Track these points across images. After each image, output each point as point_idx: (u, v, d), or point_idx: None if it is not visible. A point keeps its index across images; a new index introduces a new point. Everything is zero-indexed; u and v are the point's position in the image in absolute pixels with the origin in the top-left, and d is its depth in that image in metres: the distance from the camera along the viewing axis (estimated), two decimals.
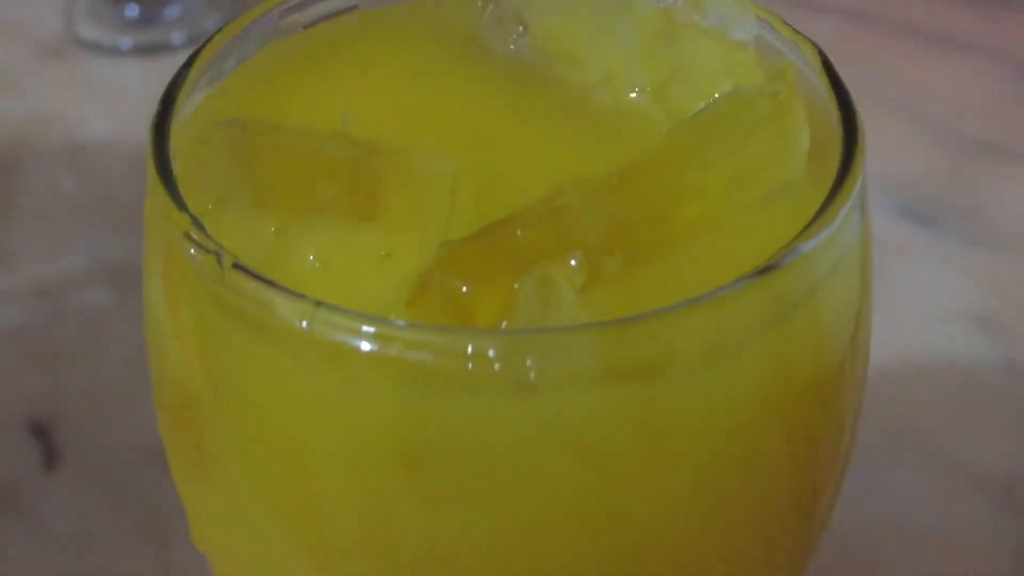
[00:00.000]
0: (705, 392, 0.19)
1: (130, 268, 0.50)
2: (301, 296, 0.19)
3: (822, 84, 0.23)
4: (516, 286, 0.19)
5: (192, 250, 0.20)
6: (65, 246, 0.51)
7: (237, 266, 0.19)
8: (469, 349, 0.18)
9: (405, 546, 0.20)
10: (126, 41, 0.61)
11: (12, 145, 0.56)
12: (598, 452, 0.19)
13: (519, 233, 0.19)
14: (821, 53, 0.23)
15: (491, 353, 0.18)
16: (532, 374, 0.18)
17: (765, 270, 0.19)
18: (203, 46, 0.24)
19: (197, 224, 0.20)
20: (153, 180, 0.21)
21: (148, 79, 0.59)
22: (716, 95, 0.22)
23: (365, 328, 0.18)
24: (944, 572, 0.39)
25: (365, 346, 0.19)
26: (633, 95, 0.23)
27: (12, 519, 0.41)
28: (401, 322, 0.19)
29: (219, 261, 0.19)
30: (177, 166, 0.21)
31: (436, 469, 0.19)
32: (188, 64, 0.23)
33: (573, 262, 0.19)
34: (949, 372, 0.47)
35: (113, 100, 0.59)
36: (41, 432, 0.44)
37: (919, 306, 0.49)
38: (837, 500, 0.24)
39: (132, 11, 0.62)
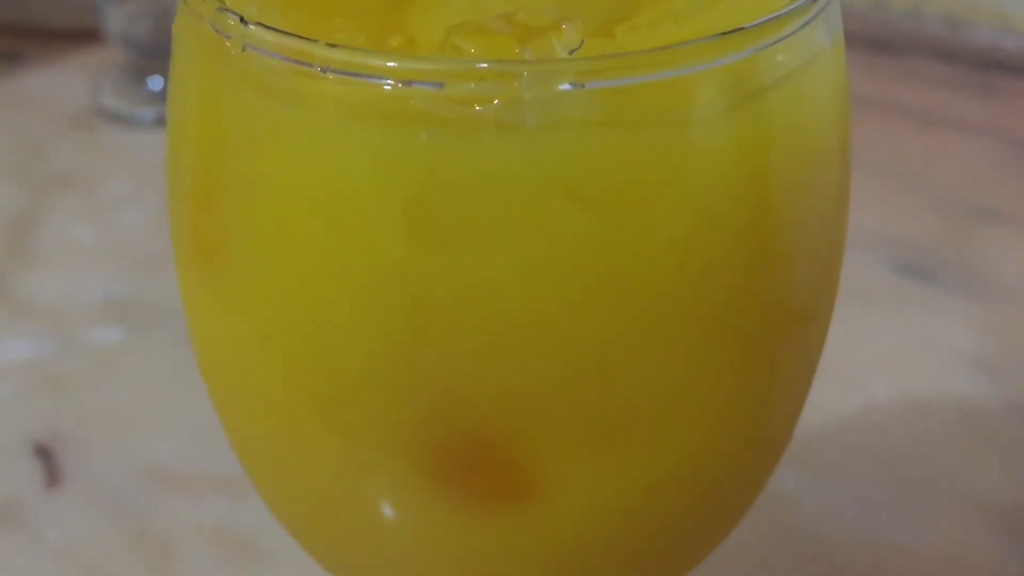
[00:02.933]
0: (678, 148, 0.20)
1: (139, 307, 0.51)
2: (316, 40, 0.20)
3: None
4: (518, 49, 0.20)
5: (217, 22, 0.21)
6: (77, 288, 0.52)
7: (258, 24, 0.21)
8: (462, 78, 0.19)
9: (403, 297, 0.20)
10: (148, 112, 0.63)
11: (33, 201, 0.58)
12: (588, 193, 0.20)
13: (521, 15, 0.21)
14: None
15: (484, 85, 0.19)
16: (525, 109, 0.19)
17: (731, 31, 0.20)
18: None
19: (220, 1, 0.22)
20: None
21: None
22: None
23: (365, 60, 0.19)
24: None
25: (366, 83, 0.20)
26: None
27: (13, 535, 0.41)
28: (408, 57, 0.20)
29: (243, 23, 0.21)
30: None
31: (434, 212, 0.20)
32: None
33: (565, 27, 0.20)
34: (953, 411, 0.47)
35: (132, 165, 0.61)
36: (44, 453, 0.44)
37: (924, 353, 0.50)
38: (827, 322, 0.24)
39: (156, 84, 0.64)
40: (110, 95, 0.64)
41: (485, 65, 0.19)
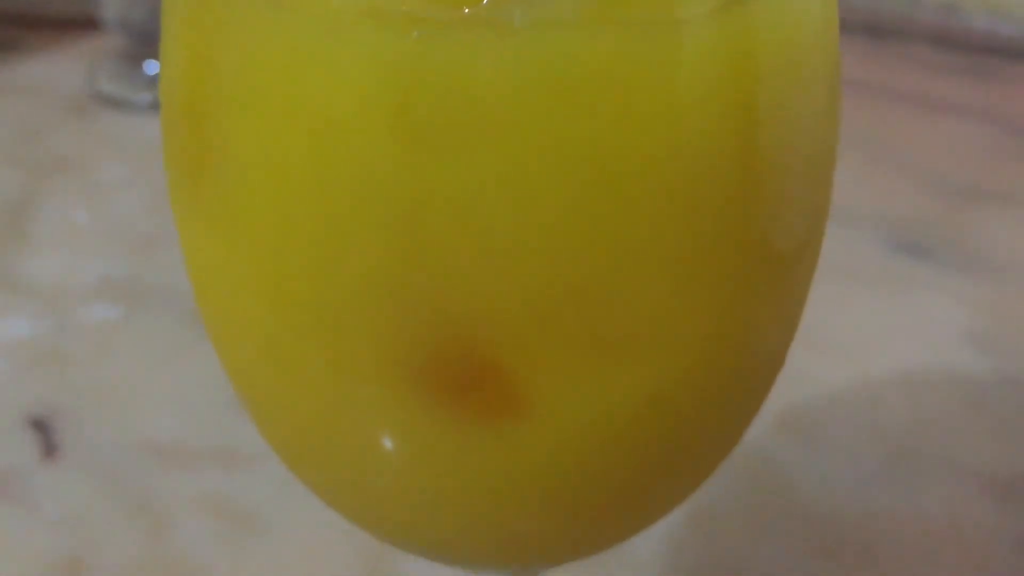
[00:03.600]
0: (667, 48, 0.20)
1: (136, 286, 0.51)
2: None
3: None
4: None
5: None
6: (75, 268, 0.52)
7: None
8: None
9: (394, 205, 0.20)
10: (145, 97, 0.63)
11: (31, 185, 0.58)
12: (577, 94, 0.20)
13: None
14: None
15: None
16: (513, 8, 0.19)
17: None
18: None
19: None
20: None
21: None
22: None
23: None
24: (950, 562, 0.39)
25: None
26: None
27: (9, 506, 0.41)
28: None
29: None
30: None
31: (423, 115, 0.20)
32: None
33: None
34: (947, 384, 0.47)
35: (128, 149, 0.61)
36: (41, 426, 0.44)
37: (920, 328, 0.50)
38: (815, 254, 0.24)
39: (152, 68, 0.64)
40: (107, 80, 0.64)
41: None
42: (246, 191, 0.22)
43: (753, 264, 0.22)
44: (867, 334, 0.50)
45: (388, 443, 0.22)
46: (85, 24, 0.68)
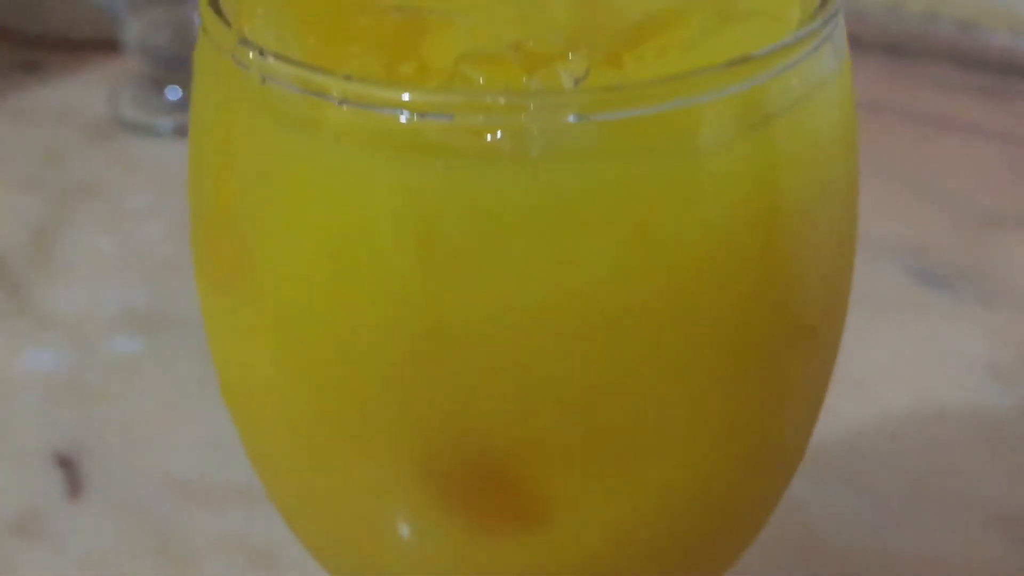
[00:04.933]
0: (687, 177, 0.20)
1: (159, 317, 0.52)
2: (334, 73, 0.20)
3: None
4: (524, 78, 0.21)
5: (237, 54, 0.22)
6: (98, 299, 0.53)
7: (278, 55, 0.21)
8: (475, 108, 0.20)
9: (416, 323, 0.21)
10: (167, 122, 0.64)
11: (54, 213, 0.58)
12: (597, 222, 0.20)
13: (530, 44, 0.22)
14: None
15: (492, 117, 0.19)
16: (530, 138, 0.20)
17: (739, 60, 0.21)
18: None
19: (240, 34, 0.22)
20: (203, 9, 0.23)
21: (186, 157, 0.61)
22: None
23: (379, 93, 0.20)
24: None
25: (381, 114, 0.20)
26: None
27: (36, 544, 0.42)
28: (421, 87, 0.20)
29: (263, 55, 0.21)
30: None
31: (445, 241, 0.20)
32: None
33: (571, 56, 0.21)
34: (969, 419, 0.47)
35: (152, 176, 0.61)
36: (66, 463, 0.45)
37: (939, 359, 0.50)
38: (832, 360, 0.24)
39: (174, 94, 0.65)
40: (129, 105, 0.65)
41: (493, 98, 0.20)
42: (275, 303, 0.22)
43: (771, 373, 0.22)
44: (885, 367, 0.50)
45: (408, 541, 0.23)
46: (107, 47, 0.69)
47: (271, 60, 0.21)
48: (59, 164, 0.62)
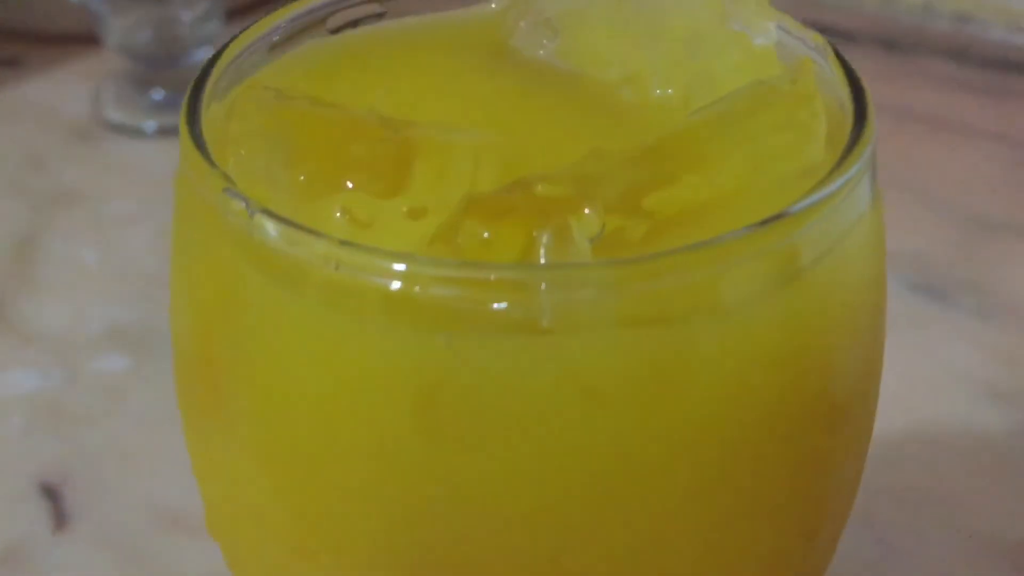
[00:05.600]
0: (715, 341, 0.19)
1: (146, 334, 0.51)
2: (326, 236, 0.19)
3: (831, 68, 0.24)
4: (534, 233, 0.20)
5: (223, 202, 0.20)
6: (83, 315, 0.52)
7: (265, 211, 0.20)
8: (483, 284, 0.18)
9: (416, 491, 0.20)
10: (151, 124, 0.62)
11: (36, 220, 0.57)
12: (609, 396, 0.19)
13: (539, 187, 0.20)
14: (828, 42, 0.24)
15: (502, 290, 0.18)
16: (544, 312, 0.19)
17: (772, 219, 0.19)
18: (228, 44, 0.24)
19: (227, 179, 0.21)
20: (185, 143, 0.22)
21: (171, 160, 0.60)
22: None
23: (388, 265, 0.19)
24: None
25: (387, 283, 0.19)
26: (657, 92, 0.24)
27: None
28: (422, 258, 0.19)
29: (248, 208, 0.20)
30: (209, 129, 0.22)
31: (448, 410, 0.19)
32: (216, 56, 0.24)
33: (588, 211, 0.20)
34: (963, 438, 0.47)
35: (136, 179, 0.60)
36: (52, 494, 0.44)
37: (934, 376, 0.49)
38: (854, 495, 0.24)
39: (158, 95, 0.63)
40: (112, 106, 0.63)
41: (501, 273, 0.19)
42: (257, 448, 0.21)
43: (795, 536, 0.21)
44: (883, 386, 0.49)
45: None
46: (89, 40, 0.67)
47: (259, 217, 0.20)
48: (42, 168, 0.61)
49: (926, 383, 0.49)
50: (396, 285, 0.19)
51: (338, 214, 0.20)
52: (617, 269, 0.19)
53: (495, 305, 0.19)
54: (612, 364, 0.19)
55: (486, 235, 0.19)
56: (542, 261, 0.19)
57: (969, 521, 0.43)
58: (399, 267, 0.19)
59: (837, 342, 0.21)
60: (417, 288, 0.19)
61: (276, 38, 0.25)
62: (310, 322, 0.20)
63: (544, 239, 0.19)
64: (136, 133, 0.62)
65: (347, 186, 0.21)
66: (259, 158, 0.21)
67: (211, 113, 0.23)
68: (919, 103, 0.67)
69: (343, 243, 0.19)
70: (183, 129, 0.22)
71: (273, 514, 0.22)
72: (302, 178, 0.21)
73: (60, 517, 0.43)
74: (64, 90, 0.66)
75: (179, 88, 0.63)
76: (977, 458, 0.46)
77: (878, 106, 0.24)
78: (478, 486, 0.20)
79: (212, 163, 0.22)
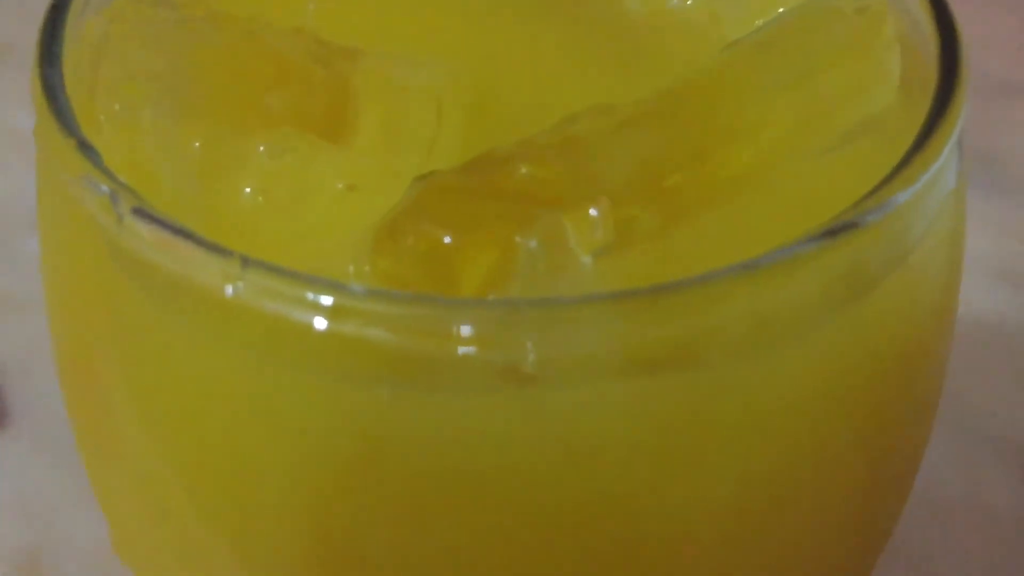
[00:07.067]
0: (753, 388, 0.14)
1: None
2: (225, 251, 0.14)
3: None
4: (516, 239, 0.14)
5: (82, 186, 0.15)
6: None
7: (138, 211, 0.15)
8: (446, 326, 0.13)
9: (353, 564, 0.15)
10: None
11: None
12: (612, 463, 0.14)
13: (523, 170, 0.14)
14: None
15: (474, 331, 0.13)
16: (530, 360, 0.13)
17: (839, 230, 0.14)
18: None
19: (88, 151, 0.15)
20: (37, 93, 0.17)
21: None
22: (781, 8, 0.18)
23: (309, 295, 0.14)
24: (969, 540, 0.37)
25: (308, 319, 0.14)
26: (674, 2, 0.19)
27: None
28: (359, 288, 0.14)
29: (114, 203, 0.15)
30: (75, 70, 0.17)
31: (396, 480, 0.14)
32: None
33: (593, 212, 0.15)
34: (976, 327, 0.44)
35: None
36: None
37: None
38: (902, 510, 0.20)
39: None
40: None
41: (468, 311, 0.13)
42: (144, 473, 0.17)
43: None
44: None
45: None
46: None
47: (130, 218, 0.14)
48: None
49: None
50: (321, 324, 0.14)
51: (248, 190, 0.15)
52: (627, 304, 0.13)
53: (460, 350, 0.13)
54: (618, 424, 0.14)
55: (447, 239, 0.14)
56: (524, 280, 0.14)
57: (980, 423, 0.41)
58: (325, 300, 0.14)
59: (903, 371, 0.16)
60: (351, 327, 0.14)
61: None
62: (208, 357, 0.15)
63: (529, 252, 0.14)
64: None
65: (258, 150, 0.15)
66: (141, 111, 0.16)
67: (85, 35, 0.17)
68: None
69: (247, 261, 0.14)
70: (34, 71, 0.17)
71: (174, 550, 0.17)
72: (196, 144, 0.15)
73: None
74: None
75: None
76: (988, 345, 0.43)
77: None
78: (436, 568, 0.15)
79: (71, 130, 0.16)
